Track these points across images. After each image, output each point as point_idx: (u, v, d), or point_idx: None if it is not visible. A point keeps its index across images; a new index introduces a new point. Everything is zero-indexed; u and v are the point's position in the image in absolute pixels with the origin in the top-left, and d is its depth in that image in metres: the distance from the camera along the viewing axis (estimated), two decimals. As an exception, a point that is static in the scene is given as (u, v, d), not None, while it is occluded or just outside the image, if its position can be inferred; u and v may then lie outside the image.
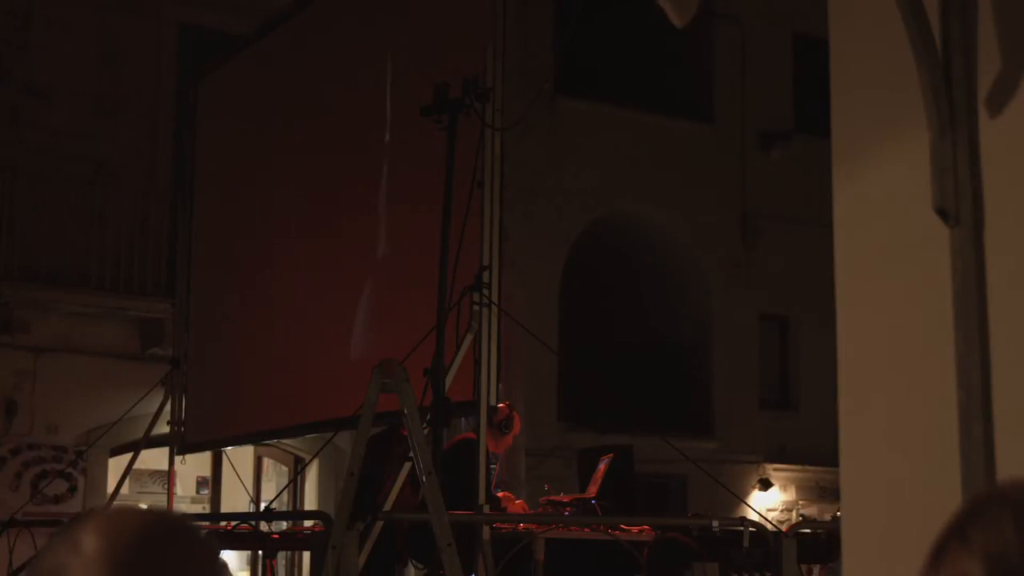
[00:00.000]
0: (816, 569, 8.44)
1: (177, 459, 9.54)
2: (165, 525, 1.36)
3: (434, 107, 5.65)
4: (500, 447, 7.20)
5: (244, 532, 8.37)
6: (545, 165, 14.65)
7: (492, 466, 6.97)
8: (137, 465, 9.91)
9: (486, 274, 6.09)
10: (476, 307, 6.03)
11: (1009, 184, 2.31)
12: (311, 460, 12.11)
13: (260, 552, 8.72)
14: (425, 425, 5.11)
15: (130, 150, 12.94)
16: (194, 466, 11.43)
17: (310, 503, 13.69)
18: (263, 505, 12.00)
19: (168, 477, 9.77)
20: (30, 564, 1.30)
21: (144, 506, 1.47)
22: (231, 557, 13.45)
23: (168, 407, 9.56)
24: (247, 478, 11.35)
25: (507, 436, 7.15)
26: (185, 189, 10.12)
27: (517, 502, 7.42)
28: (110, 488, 10.86)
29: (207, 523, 9.78)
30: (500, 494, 7.12)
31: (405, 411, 4.75)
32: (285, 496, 13.06)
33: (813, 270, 12.36)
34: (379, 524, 5.77)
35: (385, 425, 6.24)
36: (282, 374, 8.24)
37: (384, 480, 6.21)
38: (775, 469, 16.24)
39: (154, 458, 11.37)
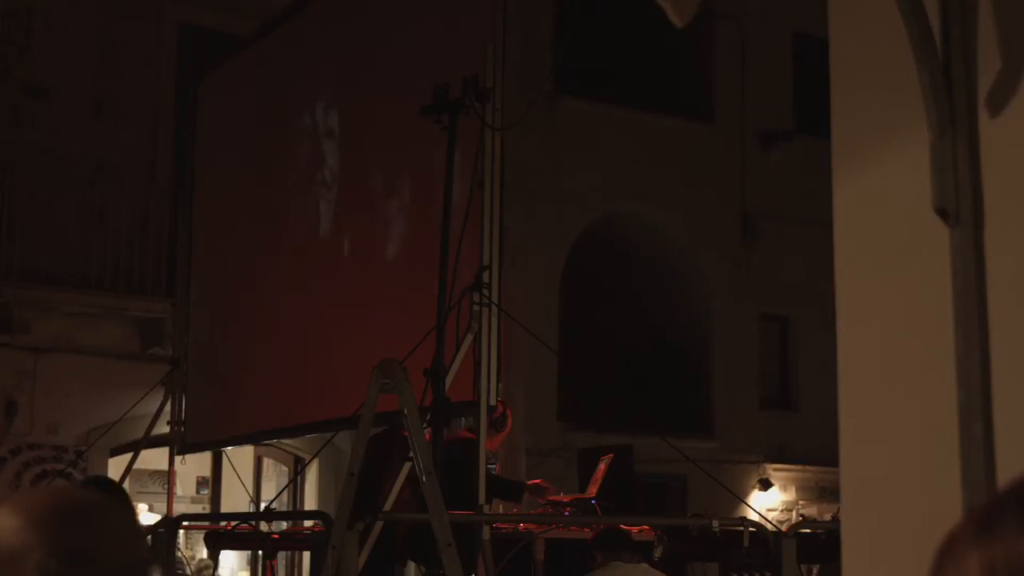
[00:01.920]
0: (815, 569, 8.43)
1: (177, 459, 9.54)
2: (75, 494, 1.37)
3: (434, 107, 5.65)
4: (493, 445, 7.21)
5: (244, 532, 8.39)
6: (545, 165, 14.64)
7: (491, 465, 6.98)
8: (137, 465, 9.91)
9: (486, 274, 6.09)
10: (476, 307, 6.03)
11: (1009, 184, 2.31)
12: (311, 460, 12.11)
13: (260, 552, 8.72)
14: (425, 425, 5.11)
15: (130, 150, 12.94)
16: (194, 466, 11.43)
17: (310, 503, 13.69)
18: (263, 505, 11.99)
19: (168, 477, 9.76)
20: None
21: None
22: (231, 557, 13.45)
23: (168, 407, 9.56)
24: (247, 478, 11.34)
25: (500, 434, 7.17)
26: (185, 189, 10.12)
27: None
28: (110, 488, 10.82)
29: (207, 523, 9.81)
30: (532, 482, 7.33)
31: (405, 411, 4.74)
32: (285, 496, 13.06)
33: (813, 270, 12.41)
34: (379, 524, 5.77)
35: (385, 425, 6.24)
36: (282, 374, 8.24)
37: (384, 480, 6.20)
38: (775, 469, 16.23)
39: (154, 458, 11.36)
